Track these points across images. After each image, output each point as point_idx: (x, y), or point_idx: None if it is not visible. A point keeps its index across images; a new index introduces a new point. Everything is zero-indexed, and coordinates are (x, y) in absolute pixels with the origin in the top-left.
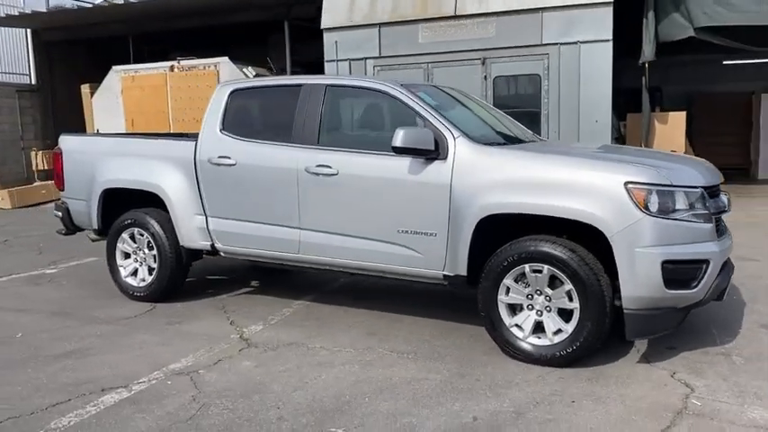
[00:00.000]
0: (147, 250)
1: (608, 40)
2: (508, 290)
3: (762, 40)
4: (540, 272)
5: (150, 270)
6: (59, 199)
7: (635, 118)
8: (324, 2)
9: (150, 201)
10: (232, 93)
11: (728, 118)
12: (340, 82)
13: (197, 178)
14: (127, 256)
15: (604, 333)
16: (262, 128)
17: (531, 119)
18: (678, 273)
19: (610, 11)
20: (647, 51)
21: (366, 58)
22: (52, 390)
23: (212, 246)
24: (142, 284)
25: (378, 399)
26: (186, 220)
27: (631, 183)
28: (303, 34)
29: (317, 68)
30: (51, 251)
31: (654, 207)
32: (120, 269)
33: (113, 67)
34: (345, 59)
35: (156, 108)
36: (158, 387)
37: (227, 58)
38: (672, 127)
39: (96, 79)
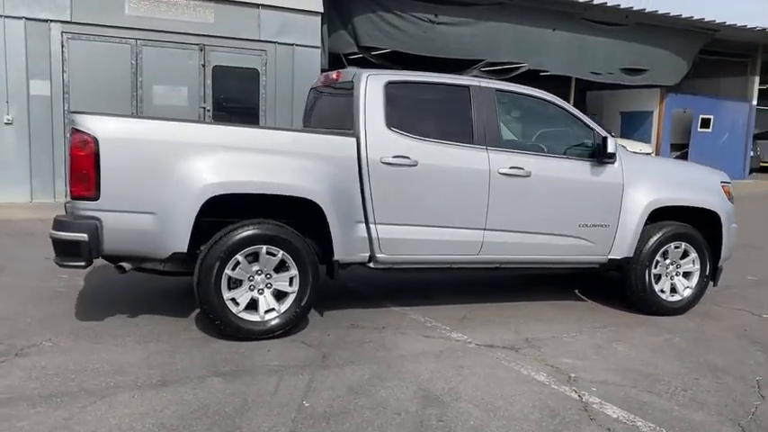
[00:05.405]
0: (273, 273)
1: (317, 47)
2: (657, 263)
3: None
4: (679, 248)
5: (279, 296)
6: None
7: None
8: None
9: (264, 210)
10: (387, 85)
11: None
12: (508, 88)
13: (361, 180)
14: (235, 283)
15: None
16: (431, 126)
17: (250, 113)
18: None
19: (318, 20)
20: (322, 61)
21: (51, 21)
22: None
23: (370, 257)
24: (269, 317)
25: (707, 354)
26: (346, 230)
27: (722, 182)
28: None
29: None
30: None
31: (730, 197)
32: (229, 303)
33: None
34: (18, 17)
35: None
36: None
37: None
38: None
39: None
